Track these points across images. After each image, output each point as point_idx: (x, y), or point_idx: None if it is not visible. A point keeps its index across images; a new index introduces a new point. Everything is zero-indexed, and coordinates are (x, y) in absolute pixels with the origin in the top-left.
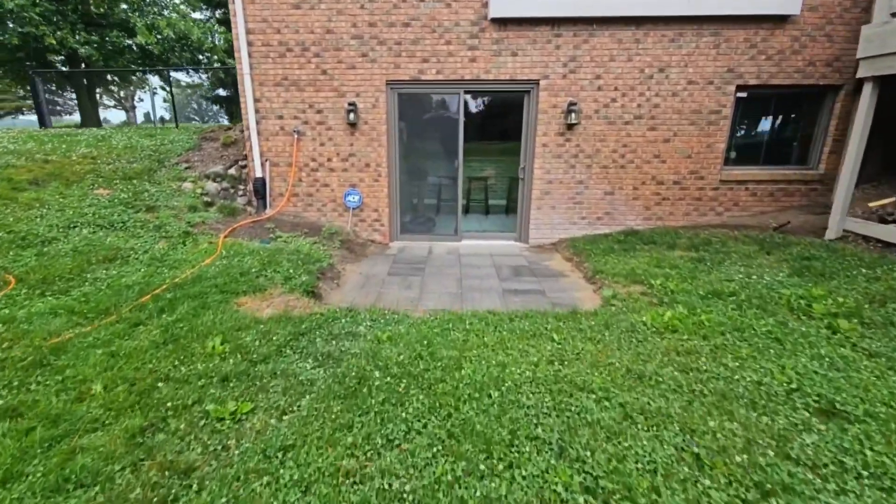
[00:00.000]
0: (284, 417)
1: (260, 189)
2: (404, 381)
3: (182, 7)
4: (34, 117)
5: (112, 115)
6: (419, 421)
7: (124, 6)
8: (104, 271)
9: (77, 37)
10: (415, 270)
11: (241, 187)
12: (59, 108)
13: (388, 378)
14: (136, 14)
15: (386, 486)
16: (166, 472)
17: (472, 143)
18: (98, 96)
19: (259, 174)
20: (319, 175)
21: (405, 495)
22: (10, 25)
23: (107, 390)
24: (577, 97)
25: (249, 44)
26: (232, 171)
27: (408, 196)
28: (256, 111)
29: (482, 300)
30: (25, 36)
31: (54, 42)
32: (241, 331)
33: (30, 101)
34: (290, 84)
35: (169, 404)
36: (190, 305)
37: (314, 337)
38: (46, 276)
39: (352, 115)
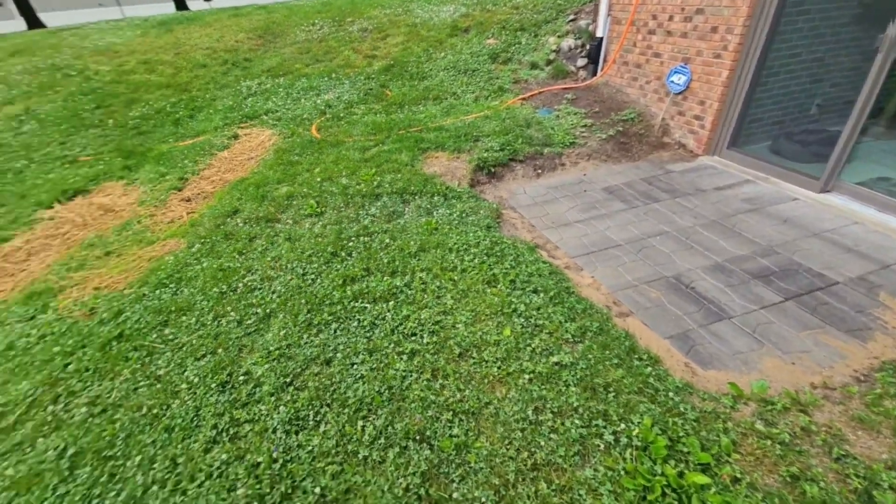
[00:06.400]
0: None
1: (593, 52)
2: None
3: None
4: None
5: None
6: None
7: None
8: (422, 106)
9: None
10: (644, 200)
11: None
12: None
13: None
14: None
15: None
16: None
17: None
18: None
19: (600, 33)
20: (654, 40)
21: None
22: None
23: (319, 171)
24: None
25: None
26: (592, 27)
27: (772, 90)
28: None
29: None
30: None
31: None
32: (383, 175)
33: None
34: None
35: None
36: (400, 146)
37: (394, 199)
38: (394, 101)
39: None
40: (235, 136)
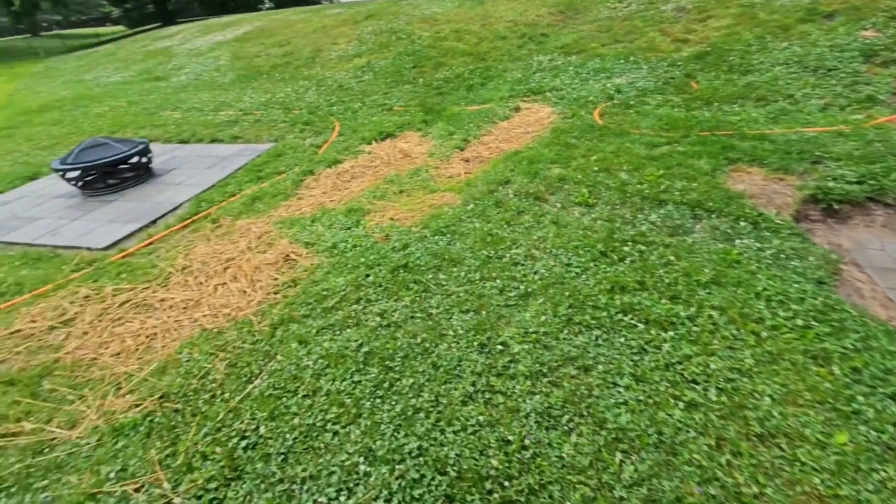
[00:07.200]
0: None
1: None
2: None
3: None
4: None
5: None
6: None
7: None
8: (738, 105)
9: None
10: None
11: None
12: None
13: None
14: None
15: None
16: None
17: None
18: None
19: None
20: None
21: None
22: None
23: (596, 160)
24: None
25: None
26: None
27: None
28: None
29: None
30: None
31: None
32: (672, 180)
33: None
34: None
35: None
36: (700, 150)
37: (682, 211)
38: (700, 95)
39: None
40: (517, 109)
